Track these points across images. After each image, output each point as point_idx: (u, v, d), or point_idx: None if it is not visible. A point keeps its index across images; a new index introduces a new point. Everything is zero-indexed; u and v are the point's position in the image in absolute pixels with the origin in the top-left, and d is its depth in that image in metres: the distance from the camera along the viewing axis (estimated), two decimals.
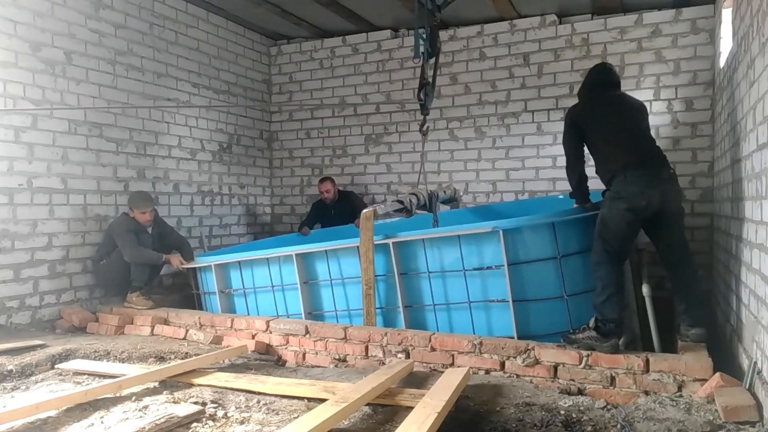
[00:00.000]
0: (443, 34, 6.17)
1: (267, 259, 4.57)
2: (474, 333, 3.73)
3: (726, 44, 4.55)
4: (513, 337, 3.56)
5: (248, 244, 5.96)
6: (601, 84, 3.65)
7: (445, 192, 4.95)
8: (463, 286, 3.79)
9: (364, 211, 3.93)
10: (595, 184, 3.65)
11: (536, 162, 5.92)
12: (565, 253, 3.66)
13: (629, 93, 5.41)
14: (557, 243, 3.66)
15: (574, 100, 3.96)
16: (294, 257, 4.35)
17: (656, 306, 3.90)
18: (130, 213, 4.85)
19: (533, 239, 3.72)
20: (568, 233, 3.71)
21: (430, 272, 3.91)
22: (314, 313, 4.38)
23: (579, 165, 3.63)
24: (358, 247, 4.05)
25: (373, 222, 3.92)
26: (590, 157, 3.58)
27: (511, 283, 3.60)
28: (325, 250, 4.29)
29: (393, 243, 3.95)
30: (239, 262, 4.72)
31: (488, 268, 3.72)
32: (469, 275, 3.78)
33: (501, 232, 3.60)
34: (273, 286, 4.57)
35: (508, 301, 3.61)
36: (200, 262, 4.95)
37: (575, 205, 3.81)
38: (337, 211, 6.12)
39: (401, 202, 4.01)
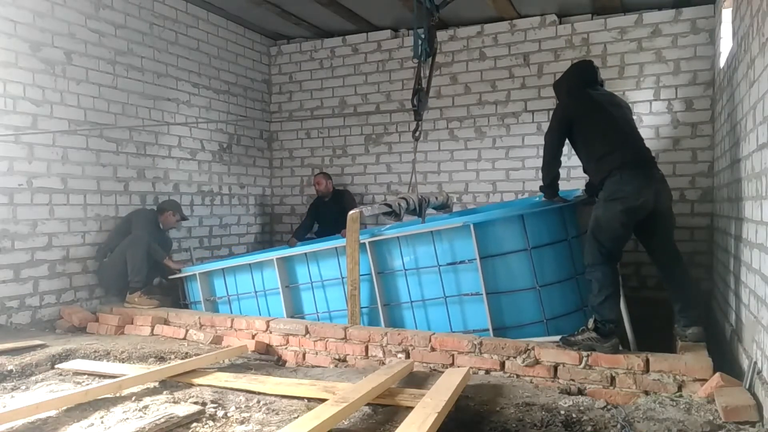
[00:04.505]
0: (443, 34, 6.19)
1: (249, 265, 4.69)
2: (450, 327, 3.80)
3: (726, 44, 4.55)
4: (488, 329, 3.63)
5: (233, 257, 6.07)
6: (591, 81, 3.65)
7: (437, 198, 4.96)
8: (438, 281, 3.85)
9: (351, 212, 3.96)
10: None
11: (536, 162, 5.91)
12: (535, 245, 3.72)
13: (628, 93, 5.51)
14: (527, 235, 3.71)
15: None
16: (275, 262, 4.42)
17: (657, 306, 3.91)
18: (162, 214, 5.20)
19: (503, 232, 3.78)
20: (537, 225, 3.77)
21: (406, 270, 3.96)
22: (296, 316, 4.44)
23: (557, 164, 3.69)
24: (336, 248, 4.16)
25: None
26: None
27: (484, 276, 3.66)
28: (305, 254, 4.39)
29: (369, 242, 4.00)
30: (223, 269, 4.85)
31: (461, 262, 3.77)
32: (443, 270, 3.84)
33: (472, 226, 3.66)
34: (256, 292, 4.66)
35: (481, 294, 3.66)
36: (186, 271, 5.10)
37: (543, 199, 3.89)
38: (330, 207, 6.31)
39: (389, 205, 4.02)
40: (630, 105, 3.91)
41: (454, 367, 3.36)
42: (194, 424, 2.55)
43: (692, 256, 5.18)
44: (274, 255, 4.51)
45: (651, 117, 5.53)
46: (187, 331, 4.29)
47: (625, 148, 3.35)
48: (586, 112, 3.50)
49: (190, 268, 5.13)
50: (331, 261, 4.26)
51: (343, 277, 4.14)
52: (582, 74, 3.70)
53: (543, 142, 3.73)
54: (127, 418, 2.60)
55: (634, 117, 3.75)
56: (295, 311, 4.47)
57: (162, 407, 2.72)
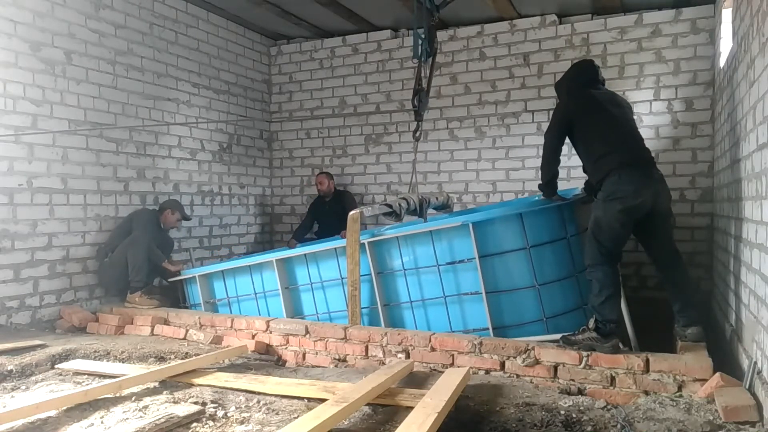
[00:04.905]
0: (443, 34, 6.19)
1: (249, 266, 4.69)
2: (450, 327, 3.80)
3: (726, 44, 4.55)
4: (488, 329, 3.63)
5: (232, 259, 6.08)
6: (592, 80, 3.65)
7: (437, 198, 4.96)
8: (437, 281, 3.85)
9: (351, 212, 3.95)
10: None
11: (536, 162, 5.86)
12: (534, 244, 3.72)
13: (628, 93, 5.51)
14: (526, 234, 3.72)
15: None
16: (274, 263, 4.43)
17: (657, 306, 3.91)
18: (161, 214, 5.20)
19: (502, 231, 3.79)
20: (536, 224, 3.78)
21: (405, 270, 3.97)
22: (296, 317, 4.44)
23: (556, 163, 3.69)
24: (335, 249, 4.16)
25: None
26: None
27: (484, 275, 3.66)
28: (305, 255, 4.39)
29: (369, 243, 4.00)
30: (222, 271, 4.85)
31: (460, 261, 3.78)
32: (443, 270, 3.84)
33: (471, 226, 3.66)
34: (256, 294, 4.66)
35: (481, 294, 3.66)
36: (185, 274, 5.10)
37: (542, 197, 3.89)
38: (330, 207, 6.31)
39: (390, 205, 4.03)
40: (631, 104, 3.91)
41: (454, 367, 3.36)
42: (194, 424, 2.55)
43: (692, 256, 5.18)
44: (273, 256, 4.52)
45: (651, 117, 5.53)
46: (187, 331, 4.29)
47: (624, 148, 3.35)
48: (586, 111, 3.50)
49: (189, 271, 5.13)
50: (330, 262, 4.27)
51: (342, 278, 4.14)
52: (583, 74, 3.70)
53: (542, 142, 3.73)
54: (127, 418, 2.60)
55: (635, 117, 3.74)
56: (295, 312, 4.47)
57: (162, 407, 2.72)
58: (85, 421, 2.59)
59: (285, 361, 3.97)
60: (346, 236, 3.98)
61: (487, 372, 3.31)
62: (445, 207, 5.13)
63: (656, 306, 4.33)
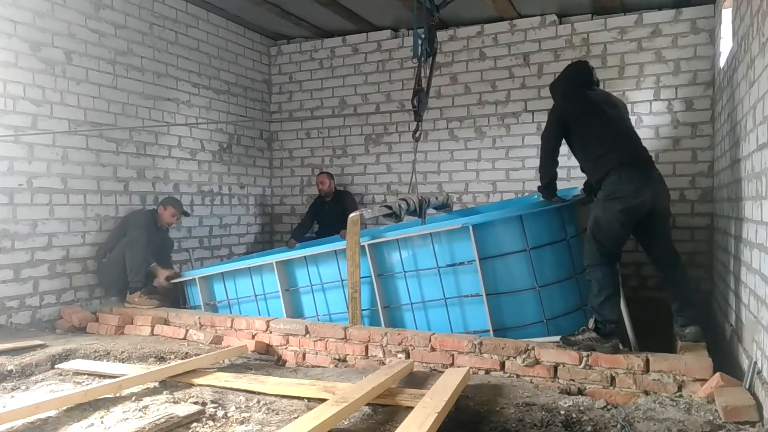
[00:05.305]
0: (443, 34, 6.19)
1: (249, 268, 4.68)
2: (451, 329, 3.79)
3: (726, 44, 4.55)
4: (488, 330, 3.63)
5: (232, 260, 6.07)
6: (587, 81, 3.66)
7: (437, 198, 4.96)
8: (437, 283, 3.84)
9: (351, 215, 3.94)
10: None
11: (536, 162, 5.83)
12: (534, 245, 3.72)
13: (628, 93, 5.51)
14: (526, 236, 3.72)
15: None
16: (274, 265, 4.42)
17: (657, 306, 3.91)
18: (159, 209, 5.15)
19: (502, 233, 3.78)
20: (536, 226, 3.77)
21: (405, 272, 3.96)
22: (296, 319, 4.41)
23: (554, 165, 3.70)
24: (336, 251, 4.16)
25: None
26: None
27: (484, 277, 3.65)
28: (305, 257, 4.38)
29: (368, 245, 3.99)
30: (222, 273, 4.84)
31: (461, 264, 3.77)
32: (443, 272, 3.83)
33: (471, 228, 3.66)
34: (256, 296, 4.65)
35: (481, 296, 3.66)
36: (185, 276, 5.07)
37: (542, 199, 3.89)
38: (331, 207, 6.33)
39: (390, 207, 4.03)
40: (626, 104, 3.92)
41: (454, 367, 3.36)
42: (194, 424, 2.55)
43: (692, 256, 5.18)
44: (273, 258, 4.50)
45: (651, 117, 5.53)
46: (187, 331, 4.29)
47: (622, 147, 3.35)
48: (582, 112, 3.50)
49: (189, 273, 5.11)
50: (330, 264, 4.26)
51: (342, 280, 4.14)
52: (578, 75, 3.71)
53: (539, 144, 3.73)
54: (127, 418, 2.60)
55: (634, 117, 3.76)
56: (296, 314, 4.45)
57: (162, 407, 2.72)
58: (85, 421, 2.59)
59: (285, 361, 3.97)
60: (345, 237, 3.98)
61: (487, 372, 3.31)
62: (444, 206, 5.13)
63: (656, 306, 4.33)
